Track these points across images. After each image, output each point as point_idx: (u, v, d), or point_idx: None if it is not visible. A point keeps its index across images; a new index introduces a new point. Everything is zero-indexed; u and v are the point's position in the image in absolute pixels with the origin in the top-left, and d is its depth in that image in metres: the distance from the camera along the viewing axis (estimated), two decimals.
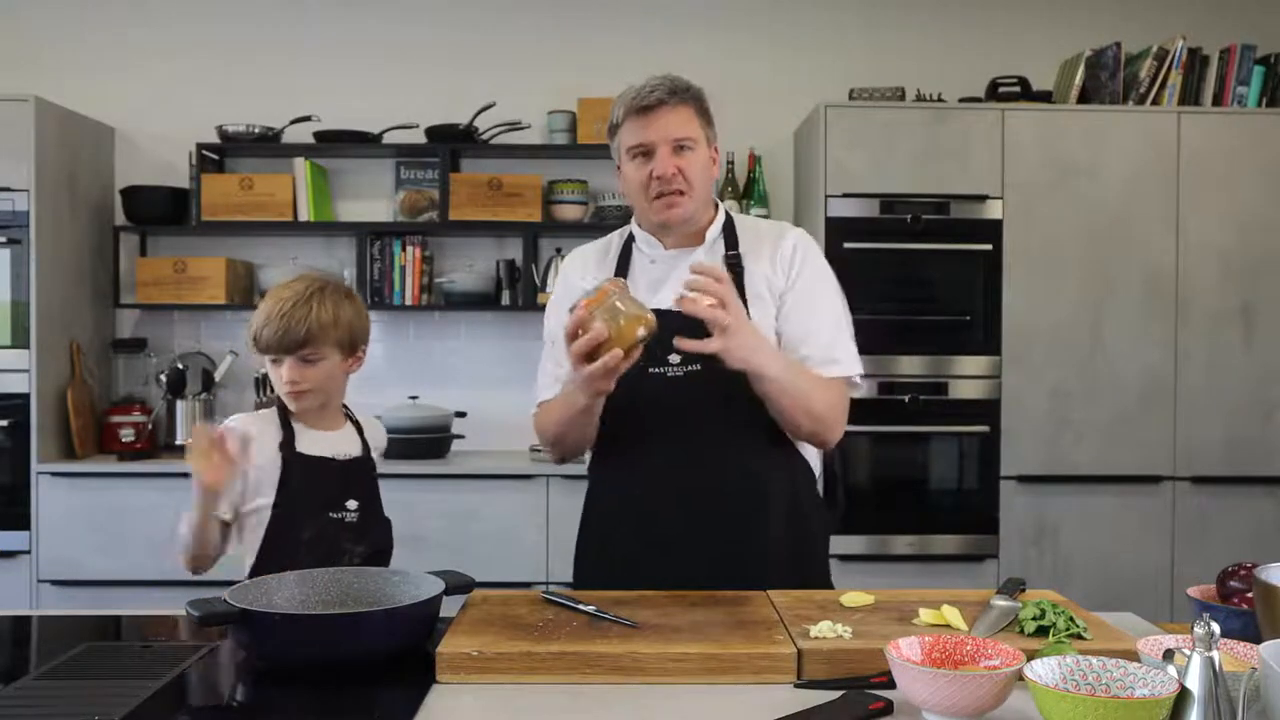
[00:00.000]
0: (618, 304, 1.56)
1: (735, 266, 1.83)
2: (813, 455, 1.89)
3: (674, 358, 1.77)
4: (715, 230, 1.89)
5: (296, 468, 1.77)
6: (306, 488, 1.76)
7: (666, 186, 1.79)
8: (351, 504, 1.78)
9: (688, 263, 1.82)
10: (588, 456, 1.94)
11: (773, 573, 1.73)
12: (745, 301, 1.77)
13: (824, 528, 1.91)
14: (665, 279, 1.84)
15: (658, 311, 1.72)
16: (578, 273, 1.95)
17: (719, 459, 1.78)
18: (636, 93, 1.80)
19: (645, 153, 1.80)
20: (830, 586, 1.80)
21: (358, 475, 1.83)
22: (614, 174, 1.95)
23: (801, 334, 1.81)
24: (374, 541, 1.80)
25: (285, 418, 1.81)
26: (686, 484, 1.78)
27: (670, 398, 1.78)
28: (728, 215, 1.94)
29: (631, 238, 1.94)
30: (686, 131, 1.80)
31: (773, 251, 1.86)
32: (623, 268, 1.89)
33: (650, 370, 1.77)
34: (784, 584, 1.67)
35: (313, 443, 1.81)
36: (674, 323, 1.75)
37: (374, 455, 1.90)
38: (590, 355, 1.57)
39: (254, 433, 1.76)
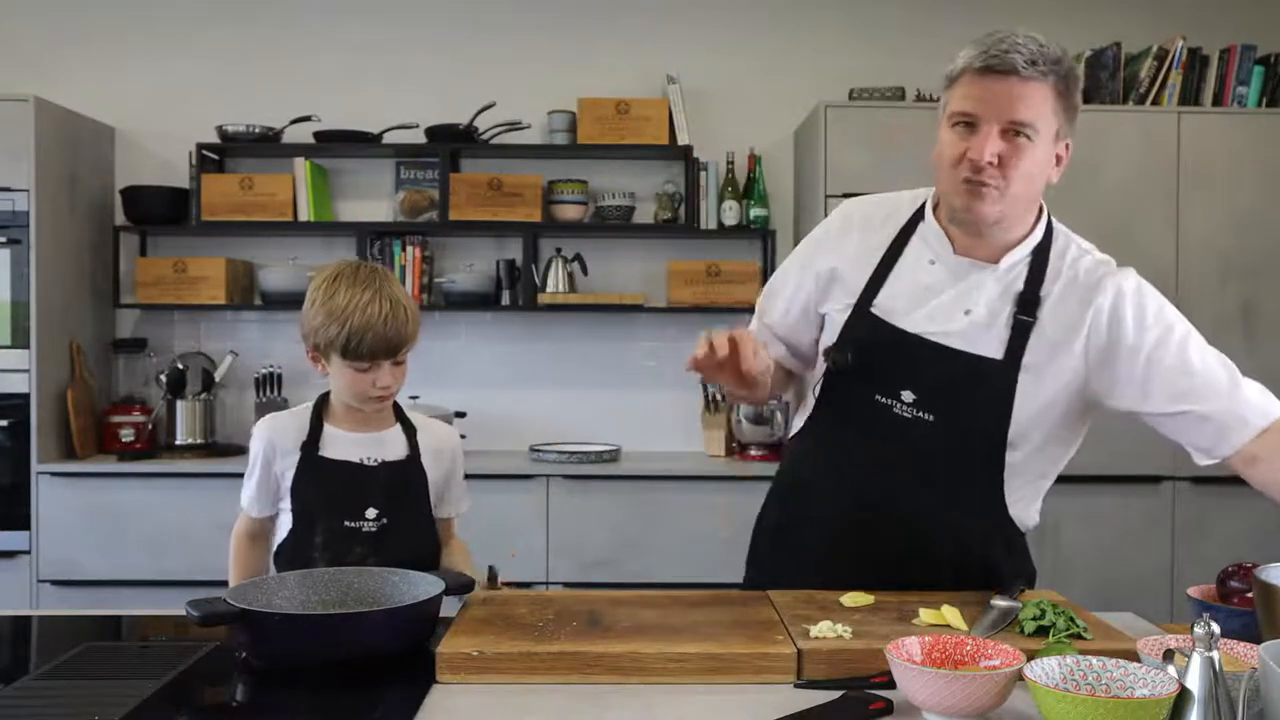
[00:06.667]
0: None
1: (1028, 310, 1.54)
2: (1029, 521, 1.67)
3: (906, 395, 1.55)
4: (1020, 252, 1.56)
5: (312, 471, 1.72)
6: (321, 492, 1.71)
7: (975, 174, 1.48)
8: (371, 512, 1.69)
9: (970, 281, 1.56)
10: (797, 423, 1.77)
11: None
12: (1023, 355, 1.53)
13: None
14: (935, 292, 1.58)
15: (910, 334, 1.55)
16: (839, 232, 1.69)
17: (914, 517, 1.58)
18: (987, 44, 1.46)
19: (970, 123, 1.49)
20: None
21: (388, 482, 1.72)
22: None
23: (1198, 412, 1.51)
24: (400, 552, 1.64)
25: (318, 417, 1.75)
26: (868, 525, 1.60)
27: (887, 436, 1.58)
28: (1048, 233, 1.59)
29: (921, 216, 1.64)
30: (1029, 115, 1.46)
31: (1078, 315, 1.55)
32: (895, 252, 1.62)
33: (877, 397, 1.58)
34: None
35: (342, 445, 1.73)
36: (921, 353, 1.55)
37: (428, 460, 1.78)
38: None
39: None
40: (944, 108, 1.55)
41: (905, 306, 1.59)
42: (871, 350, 1.59)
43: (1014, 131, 1.47)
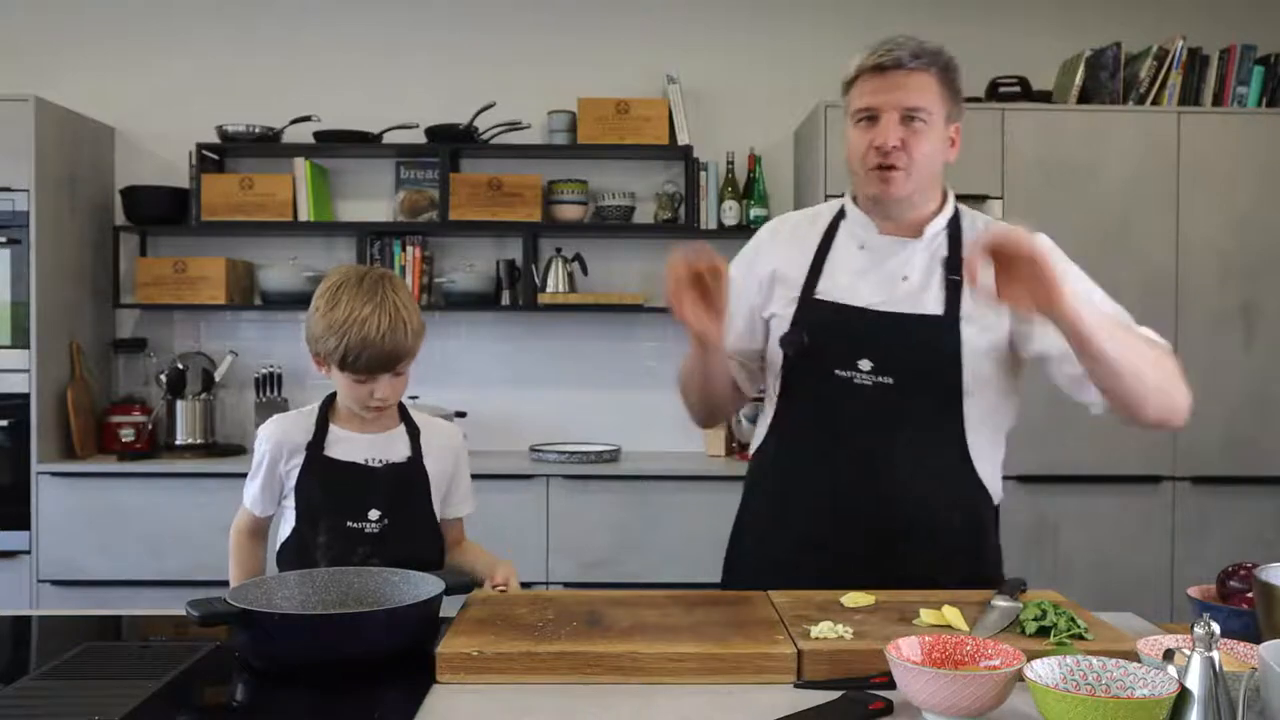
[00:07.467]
0: None
1: (956, 270, 1.65)
2: (995, 487, 1.72)
3: (864, 364, 1.63)
4: (939, 224, 1.71)
5: (317, 471, 1.72)
6: (325, 493, 1.71)
7: (884, 159, 1.63)
8: (373, 513, 1.70)
9: (900, 256, 1.69)
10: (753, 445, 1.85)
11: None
12: (959, 308, 1.64)
13: (997, 569, 1.74)
14: (870, 270, 1.69)
15: (856, 309, 1.64)
16: (770, 239, 1.82)
17: (892, 481, 1.64)
18: (875, 48, 1.66)
19: (871, 118, 1.65)
20: None
21: (392, 483, 1.73)
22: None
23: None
24: (402, 553, 1.64)
25: (324, 417, 1.76)
26: (851, 497, 1.66)
27: (852, 406, 1.64)
28: (956, 210, 1.75)
29: (843, 213, 1.76)
30: (920, 101, 1.63)
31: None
32: (826, 245, 1.74)
33: (836, 372, 1.65)
34: None
35: (347, 446, 1.74)
36: (870, 323, 1.63)
37: (431, 460, 1.79)
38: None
39: None
40: (847, 110, 1.71)
41: (846, 288, 1.69)
42: (824, 330, 1.68)
43: (909, 117, 1.64)
